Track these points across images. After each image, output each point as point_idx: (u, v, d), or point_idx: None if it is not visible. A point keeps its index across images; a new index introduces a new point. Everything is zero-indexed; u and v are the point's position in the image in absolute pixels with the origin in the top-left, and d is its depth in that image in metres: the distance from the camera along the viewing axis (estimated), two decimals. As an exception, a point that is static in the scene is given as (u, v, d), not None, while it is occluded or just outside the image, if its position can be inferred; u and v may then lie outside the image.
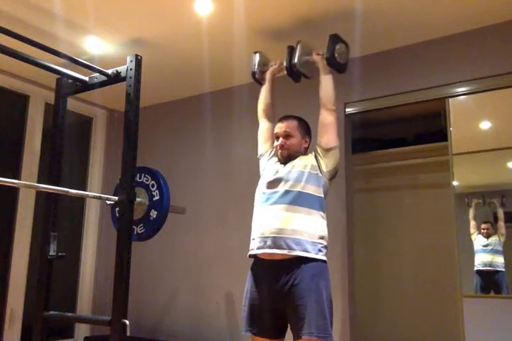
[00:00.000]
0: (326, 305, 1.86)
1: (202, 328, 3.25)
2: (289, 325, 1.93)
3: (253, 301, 1.97)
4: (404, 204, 3.49)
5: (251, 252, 2.03)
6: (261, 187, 2.12)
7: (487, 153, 2.57)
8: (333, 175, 2.12)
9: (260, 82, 2.51)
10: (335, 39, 2.27)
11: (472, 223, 2.56)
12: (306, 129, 2.22)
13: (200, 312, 3.28)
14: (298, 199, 1.97)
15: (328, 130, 2.12)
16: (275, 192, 2.02)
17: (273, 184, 2.05)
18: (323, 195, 2.05)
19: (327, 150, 2.08)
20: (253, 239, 2.03)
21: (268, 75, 2.46)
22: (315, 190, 2.01)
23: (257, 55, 2.51)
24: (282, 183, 2.02)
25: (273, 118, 2.39)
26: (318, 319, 1.81)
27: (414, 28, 2.61)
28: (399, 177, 3.53)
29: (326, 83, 2.20)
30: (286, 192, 1.99)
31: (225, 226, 3.29)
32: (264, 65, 2.50)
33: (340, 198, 2.81)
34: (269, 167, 2.18)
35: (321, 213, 2.02)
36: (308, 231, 1.93)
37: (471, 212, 2.56)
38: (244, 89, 3.38)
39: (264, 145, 2.32)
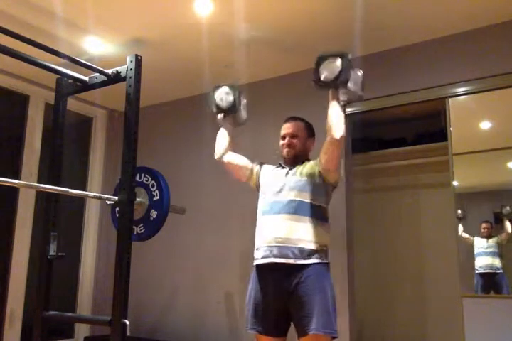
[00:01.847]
0: (330, 303, 1.87)
1: (202, 328, 3.24)
2: (292, 323, 1.94)
3: (257, 300, 1.98)
4: (404, 204, 3.48)
5: (256, 262, 2.02)
6: (264, 196, 2.11)
7: (487, 153, 2.57)
8: (335, 187, 2.12)
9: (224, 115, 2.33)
10: (319, 60, 2.01)
11: (464, 235, 2.56)
12: (311, 131, 2.22)
13: (201, 312, 3.28)
14: (302, 209, 1.97)
15: (332, 163, 2.01)
16: (279, 201, 2.01)
17: (277, 193, 2.04)
18: (326, 205, 2.05)
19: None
20: (257, 249, 2.02)
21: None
22: (318, 200, 2.01)
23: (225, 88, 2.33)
24: (286, 192, 2.01)
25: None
26: (325, 316, 1.82)
27: (414, 28, 2.61)
28: (399, 177, 3.53)
29: (329, 110, 2.01)
30: (291, 201, 1.98)
31: (225, 226, 3.29)
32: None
33: (340, 198, 2.80)
34: (268, 177, 2.16)
35: (325, 223, 2.02)
36: (313, 240, 1.94)
37: (461, 227, 2.55)
38: (244, 89, 3.37)
39: (247, 170, 2.25)
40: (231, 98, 2.29)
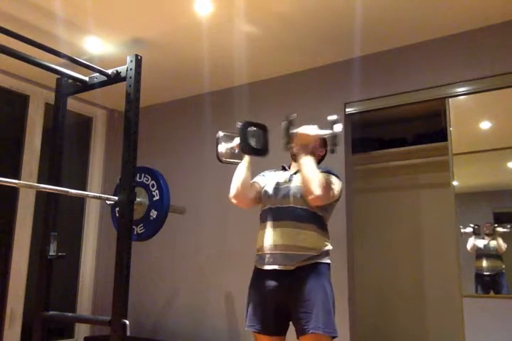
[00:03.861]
0: (330, 302, 1.87)
1: (202, 328, 3.24)
2: (291, 322, 1.93)
3: (257, 298, 1.97)
4: (404, 204, 3.48)
5: (258, 266, 2.01)
6: (267, 202, 2.07)
7: (487, 153, 2.57)
8: (336, 201, 2.10)
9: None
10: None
11: (477, 245, 2.57)
12: (324, 143, 2.14)
13: (200, 312, 3.28)
14: (304, 216, 1.96)
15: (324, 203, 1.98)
16: (283, 208, 1.99)
17: (281, 199, 2.02)
18: (327, 215, 2.05)
19: None
20: (260, 255, 2.01)
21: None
22: (319, 209, 2.00)
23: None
24: (290, 199, 1.99)
25: None
26: (325, 315, 1.82)
27: (414, 28, 2.61)
28: (399, 177, 3.53)
29: (302, 167, 1.95)
30: (294, 208, 1.97)
31: (225, 226, 3.29)
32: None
33: (341, 198, 2.79)
34: (271, 183, 2.10)
35: (325, 231, 2.02)
36: (315, 247, 1.94)
37: (471, 242, 2.55)
38: (244, 89, 3.39)
39: (258, 194, 2.14)
40: (262, 140, 2.02)
